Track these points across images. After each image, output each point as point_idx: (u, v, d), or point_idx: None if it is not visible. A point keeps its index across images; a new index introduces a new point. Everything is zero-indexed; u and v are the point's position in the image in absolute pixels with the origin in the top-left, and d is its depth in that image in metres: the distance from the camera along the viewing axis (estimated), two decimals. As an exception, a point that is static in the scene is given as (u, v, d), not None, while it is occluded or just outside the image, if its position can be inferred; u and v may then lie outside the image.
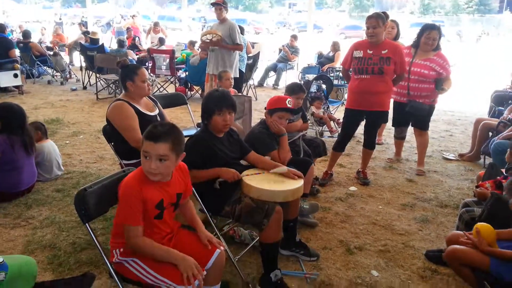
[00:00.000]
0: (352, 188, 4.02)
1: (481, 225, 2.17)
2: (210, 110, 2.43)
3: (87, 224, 1.81)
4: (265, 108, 3.04)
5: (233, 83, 4.74)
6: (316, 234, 3.11)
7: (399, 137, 4.82)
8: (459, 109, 7.95)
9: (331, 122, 5.70)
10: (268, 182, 2.42)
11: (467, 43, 27.24)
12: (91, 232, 1.81)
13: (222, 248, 1.98)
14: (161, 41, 10.30)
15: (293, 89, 3.64)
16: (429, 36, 4.09)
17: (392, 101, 4.52)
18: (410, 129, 4.75)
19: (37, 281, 1.89)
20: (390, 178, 4.37)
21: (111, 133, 3.00)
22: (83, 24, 13.08)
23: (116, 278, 1.84)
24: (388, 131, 5.98)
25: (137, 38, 11.88)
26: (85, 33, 10.76)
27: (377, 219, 3.39)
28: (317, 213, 3.38)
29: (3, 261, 1.03)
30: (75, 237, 2.87)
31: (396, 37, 4.90)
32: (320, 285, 2.50)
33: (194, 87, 8.50)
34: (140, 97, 3.03)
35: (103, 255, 1.83)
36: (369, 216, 3.44)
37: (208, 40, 5.65)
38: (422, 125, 4.45)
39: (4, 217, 3.15)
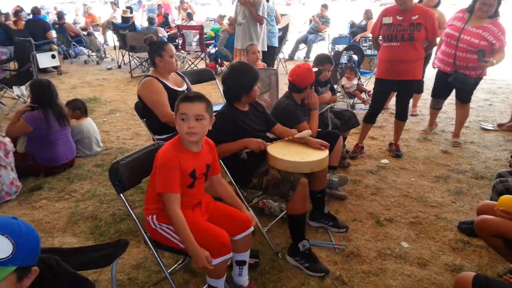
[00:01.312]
0: (384, 161, 3.96)
1: (504, 197, 2.10)
2: (247, 86, 2.46)
3: (121, 194, 1.92)
4: (294, 84, 2.97)
5: (260, 57, 4.69)
6: (346, 206, 3.12)
7: (435, 108, 4.62)
8: (500, 77, 7.52)
9: (362, 93, 5.58)
10: (294, 154, 2.44)
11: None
12: (125, 201, 1.91)
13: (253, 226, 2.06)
14: (189, 16, 10.31)
15: (320, 61, 3.57)
16: (484, 1, 3.68)
17: (436, 70, 4.33)
18: (447, 99, 4.56)
19: (68, 247, 2.04)
20: (424, 150, 4.26)
21: (143, 109, 3.09)
22: (115, 3, 13.26)
23: (151, 245, 1.96)
24: (423, 101, 5.78)
25: (168, 16, 11.95)
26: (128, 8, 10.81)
27: (409, 192, 3.35)
28: (347, 186, 3.38)
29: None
30: (115, 209, 3.05)
31: (437, 4, 4.65)
32: (348, 255, 2.53)
33: (225, 62, 8.51)
34: (169, 73, 3.08)
35: (138, 224, 1.95)
36: (400, 188, 3.40)
37: None
38: (464, 98, 4.22)
39: (49, 190, 3.37)
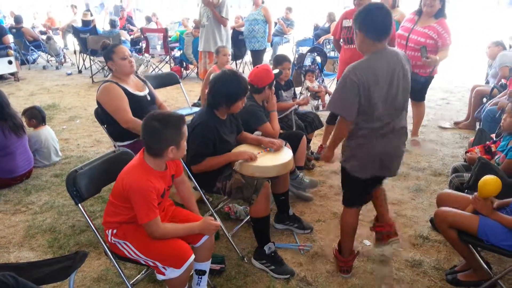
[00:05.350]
0: (347, 161, 4.04)
1: (489, 178, 2.03)
2: (231, 98, 2.43)
3: (79, 205, 1.86)
4: (252, 84, 2.97)
5: (230, 59, 4.69)
6: (310, 207, 3.16)
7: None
8: (457, 76, 7.87)
9: (326, 96, 5.67)
10: (258, 158, 2.45)
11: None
12: (83, 212, 1.86)
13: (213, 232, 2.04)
14: (148, 19, 10.19)
15: (278, 61, 3.64)
16: (425, 2, 3.86)
17: None
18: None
19: (23, 262, 1.96)
20: (385, 149, 4.38)
21: (103, 115, 3.00)
22: (75, 6, 12.84)
23: (111, 257, 1.91)
24: (384, 102, 5.94)
25: (131, 19, 11.73)
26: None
27: (371, 190, 3.43)
28: (312, 187, 3.42)
29: None
30: (74, 220, 2.94)
31: (394, 4, 4.78)
32: (313, 255, 2.57)
33: (190, 66, 8.43)
34: (126, 76, 2.98)
35: (98, 235, 1.89)
36: (363, 187, 3.48)
37: None
38: (416, 96, 4.33)
39: (5, 203, 3.21)
